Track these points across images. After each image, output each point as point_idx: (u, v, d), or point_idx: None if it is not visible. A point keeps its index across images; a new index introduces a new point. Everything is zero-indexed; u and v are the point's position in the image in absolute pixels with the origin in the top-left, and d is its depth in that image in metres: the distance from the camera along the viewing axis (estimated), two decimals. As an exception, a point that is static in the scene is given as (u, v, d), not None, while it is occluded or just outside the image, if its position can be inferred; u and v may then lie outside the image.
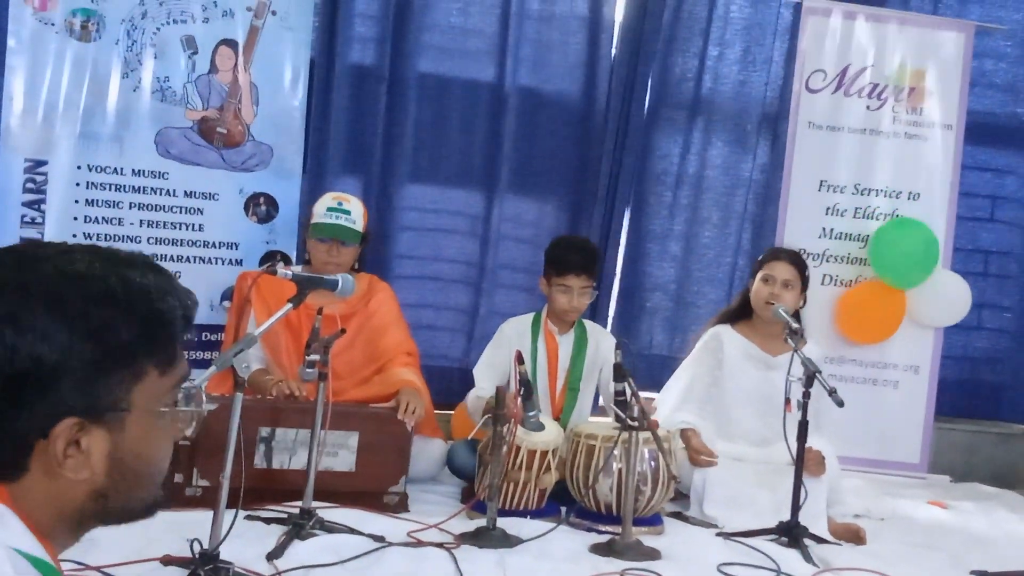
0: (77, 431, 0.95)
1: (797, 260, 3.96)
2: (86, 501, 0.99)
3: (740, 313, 3.99)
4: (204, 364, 3.77)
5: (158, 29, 4.09)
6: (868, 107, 4.80)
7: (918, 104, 4.82)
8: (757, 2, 4.99)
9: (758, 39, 5.00)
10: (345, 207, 3.75)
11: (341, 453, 3.33)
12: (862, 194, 4.80)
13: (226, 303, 4.22)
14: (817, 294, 4.67)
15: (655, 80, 4.90)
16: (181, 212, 4.20)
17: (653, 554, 3.10)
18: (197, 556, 2.50)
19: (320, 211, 3.75)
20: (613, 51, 4.84)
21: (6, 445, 0.95)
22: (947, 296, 4.75)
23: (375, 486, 3.35)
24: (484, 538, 3.05)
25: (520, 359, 3.31)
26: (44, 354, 0.93)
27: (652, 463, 3.35)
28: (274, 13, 4.26)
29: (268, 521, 3.03)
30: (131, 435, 0.99)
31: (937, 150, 4.82)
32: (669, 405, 3.86)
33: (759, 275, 3.90)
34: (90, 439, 0.96)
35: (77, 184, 4.01)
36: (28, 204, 3.95)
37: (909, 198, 4.80)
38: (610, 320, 4.91)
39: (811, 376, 3.30)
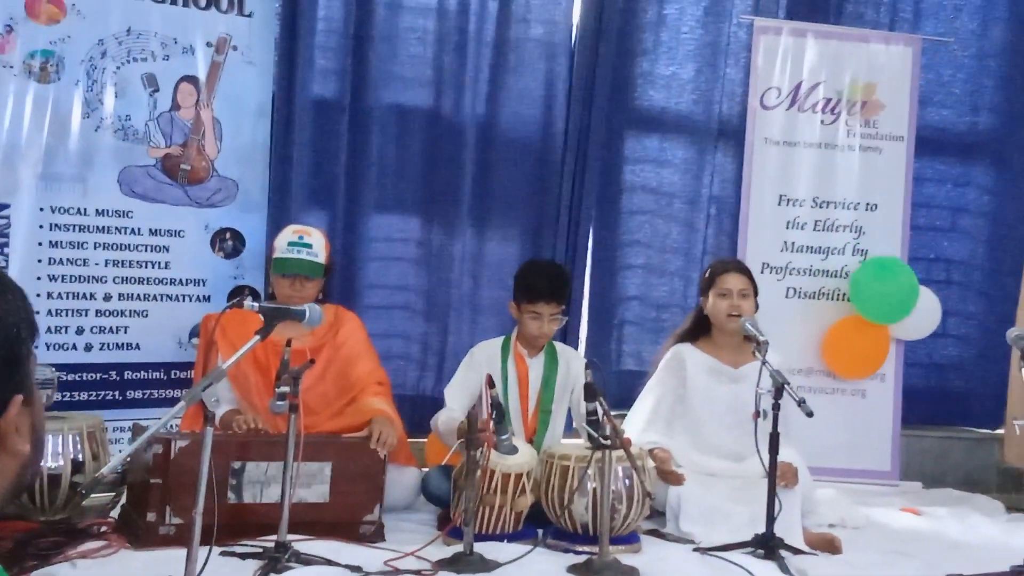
0: (20, 409, 1.05)
1: (744, 268, 4.02)
2: (16, 476, 1.08)
3: (698, 330, 4.02)
4: (173, 402, 3.72)
5: (118, 68, 4.08)
6: (823, 122, 4.88)
7: (871, 117, 4.90)
8: (708, 22, 5.06)
9: (710, 58, 5.07)
10: (306, 240, 3.73)
11: (314, 484, 3.32)
12: (821, 207, 4.88)
13: (195, 340, 4.19)
14: (780, 307, 4.73)
15: (613, 100, 4.95)
16: (147, 251, 4.18)
17: (631, 572, 3.11)
18: (172, 594, 2.49)
19: (281, 246, 3.73)
20: (569, 73, 4.89)
21: None
22: (922, 313, 4.82)
23: (350, 516, 3.34)
24: (461, 564, 3.05)
25: (491, 383, 3.31)
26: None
27: (627, 481, 3.37)
28: (235, 48, 4.27)
29: (243, 556, 3.01)
30: (36, 408, 1.10)
31: (891, 161, 4.91)
32: (636, 428, 3.87)
33: (713, 291, 3.93)
34: (21, 415, 1.06)
35: (40, 226, 3.98)
36: (-9, 248, 3.92)
37: (868, 209, 4.89)
38: (582, 340, 4.93)
39: (780, 387, 3.34)
